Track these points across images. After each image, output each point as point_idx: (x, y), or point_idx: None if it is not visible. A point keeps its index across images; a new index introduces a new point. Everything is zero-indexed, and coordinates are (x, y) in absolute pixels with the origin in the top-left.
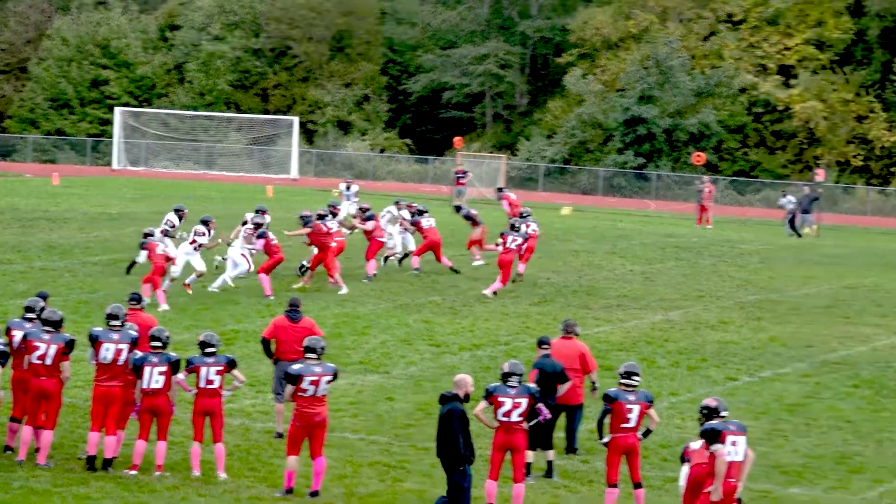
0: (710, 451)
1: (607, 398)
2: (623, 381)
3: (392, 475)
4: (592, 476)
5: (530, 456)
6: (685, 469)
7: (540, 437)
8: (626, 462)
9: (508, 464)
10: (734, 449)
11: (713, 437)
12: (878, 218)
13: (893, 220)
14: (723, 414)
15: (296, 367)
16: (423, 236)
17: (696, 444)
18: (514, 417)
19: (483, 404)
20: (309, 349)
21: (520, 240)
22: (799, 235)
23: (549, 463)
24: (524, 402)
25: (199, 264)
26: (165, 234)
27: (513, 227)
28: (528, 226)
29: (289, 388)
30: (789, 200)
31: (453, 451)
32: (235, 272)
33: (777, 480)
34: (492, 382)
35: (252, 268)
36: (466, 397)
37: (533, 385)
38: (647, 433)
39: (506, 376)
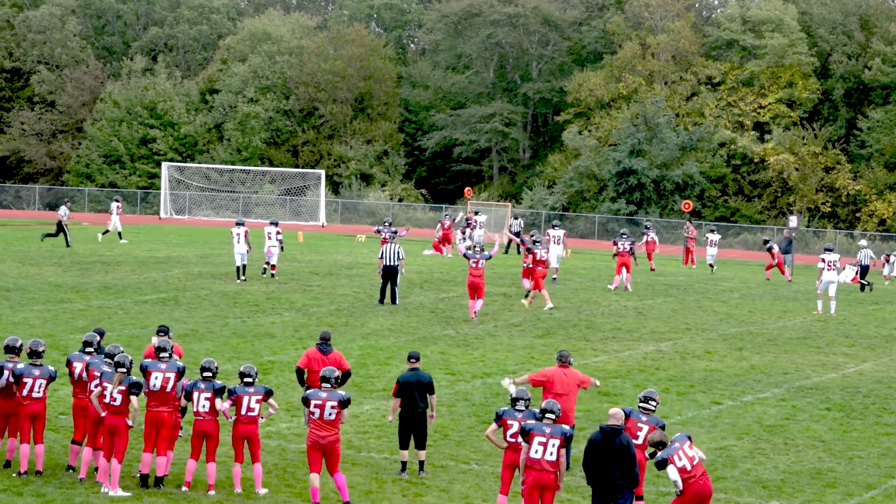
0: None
1: (625, 414)
2: (641, 404)
3: (413, 491)
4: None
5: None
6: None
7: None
8: None
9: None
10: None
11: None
12: (845, 259)
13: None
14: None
15: (307, 392)
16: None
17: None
18: (521, 438)
19: (493, 426)
20: (322, 378)
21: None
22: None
23: None
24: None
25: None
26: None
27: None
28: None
29: (304, 411)
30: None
31: (633, 477)
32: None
33: (759, 494)
34: (501, 406)
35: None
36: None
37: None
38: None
39: (514, 401)
